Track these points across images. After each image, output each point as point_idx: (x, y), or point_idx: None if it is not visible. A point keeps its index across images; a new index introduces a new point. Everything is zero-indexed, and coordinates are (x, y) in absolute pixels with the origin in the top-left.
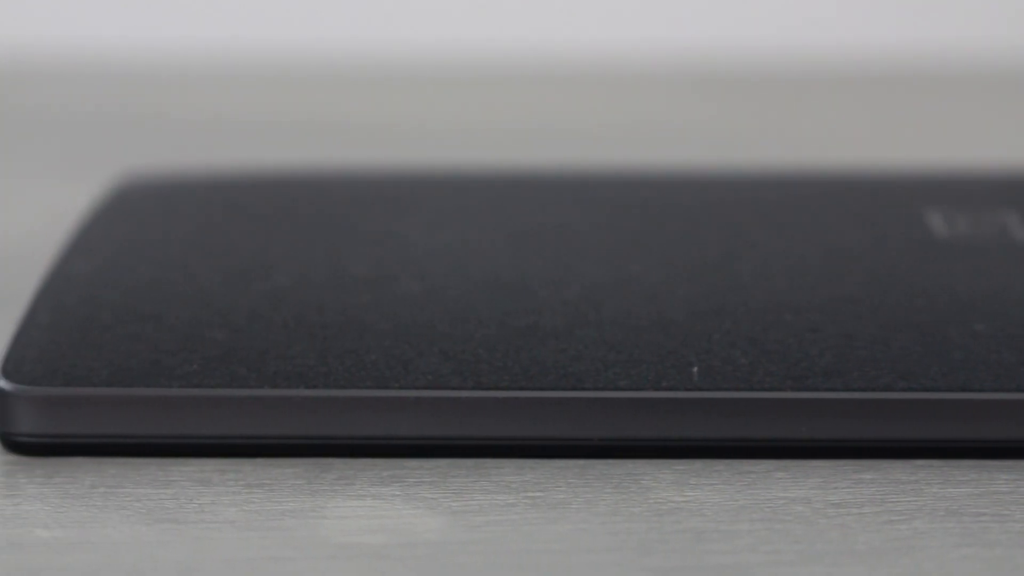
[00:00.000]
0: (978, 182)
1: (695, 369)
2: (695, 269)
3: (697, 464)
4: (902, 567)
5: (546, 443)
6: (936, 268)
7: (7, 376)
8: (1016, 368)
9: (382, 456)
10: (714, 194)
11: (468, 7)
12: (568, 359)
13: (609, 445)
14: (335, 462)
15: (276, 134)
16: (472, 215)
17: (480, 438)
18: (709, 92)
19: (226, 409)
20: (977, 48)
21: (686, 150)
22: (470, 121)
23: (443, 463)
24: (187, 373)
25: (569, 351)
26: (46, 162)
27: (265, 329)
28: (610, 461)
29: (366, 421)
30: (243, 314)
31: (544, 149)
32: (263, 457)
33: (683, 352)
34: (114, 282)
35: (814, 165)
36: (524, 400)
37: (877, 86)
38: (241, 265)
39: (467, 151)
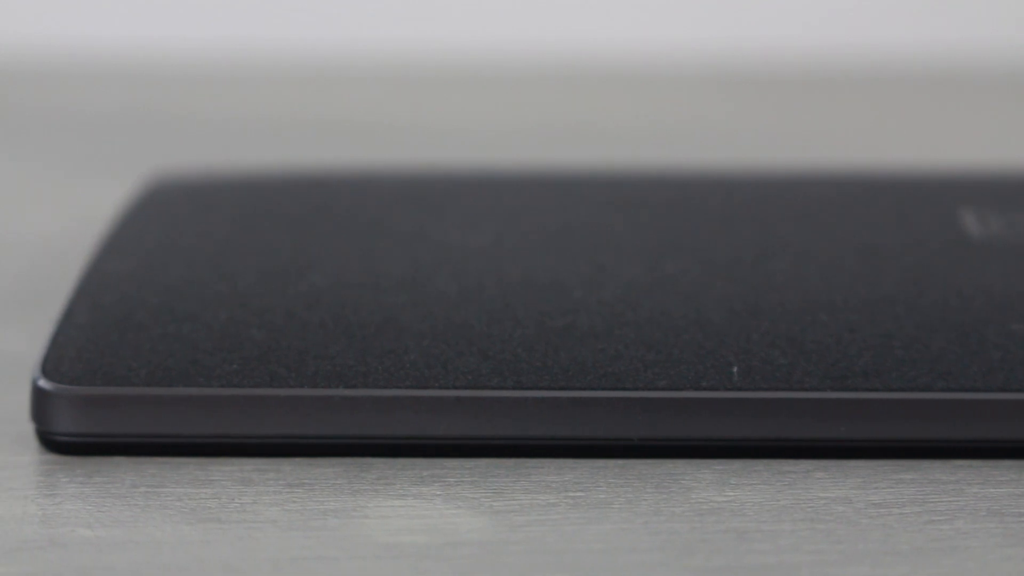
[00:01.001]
0: (1012, 182)
1: (735, 369)
2: (731, 269)
3: (736, 464)
4: (945, 567)
5: (586, 443)
6: (972, 268)
7: (47, 376)
8: None
9: (422, 456)
10: (747, 194)
11: (492, 7)
12: (607, 359)
13: (648, 445)
14: (375, 462)
15: (287, 133)
16: (505, 215)
17: (520, 438)
18: (735, 92)
19: (265, 409)
20: (1012, 48)
21: (714, 150)
22: (494, 121)
23: (483, 463)
24: (226, 373)
25: (608, 351)
26: (72, 162)
27: (303, 329)
28: (649, 461)
29: (406, 421)
30: (281, 314)
31: (570, 149)
32: (302, 457)
33: (722, 352)
34: (151, 281)
35: (846, 165)
36: (563, 400)
37: (909, 86)
38: (277, 265)
39: (490, 152)
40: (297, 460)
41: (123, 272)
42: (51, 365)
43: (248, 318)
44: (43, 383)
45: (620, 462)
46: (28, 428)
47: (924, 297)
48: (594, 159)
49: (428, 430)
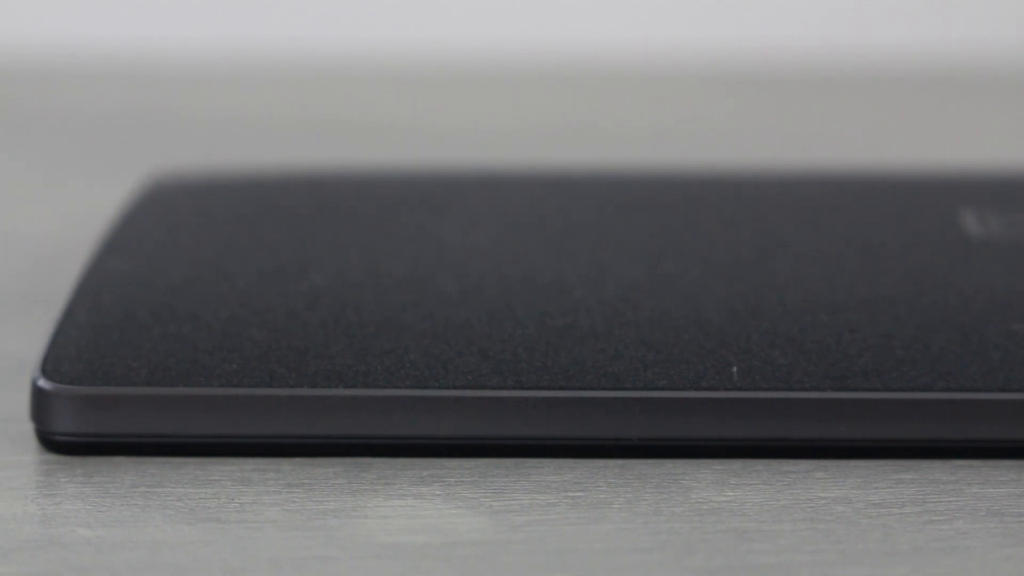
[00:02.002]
0: (1012, 182)
1: (735, 369)
2: (731, 269)
3: (736, 464)
4: (945, 567)
5: (585, 443)
6: (972, 268)
7: (47, 375)
8: None
9: (421, 456)
10: (747, 194)
11: (492, 7)
12: (607, 359)
13: (648, 445)
14: (374, 462)
15: (287, 133)
16: (506, 215)
17: (519, 437)
18: (735, 91)
19: (265, 408)
20: (1012, 48)
21: (714, 150)
22: (494, 121)
23: (482, 463)
24: (226, 372)
25: (608, 351)
26: (72, 161)
27: (303, 329)
28: (649, 461)
29: (405, 421)
30: (281, 314)
31: (570, 149)
32: (302, 457)
33: (722, 352)
34: (151, 281)
35: (846, 165)
36: (563, 400)
37: (909, 86)
38: (277, 264)
39: (490, 152)
40: (297, 460)
41: (123, 272)
42: (51, 365)
43: (248, 318)
44: (43, 383)
45: (620, 462)
46: (28, 428)
47: (924, 297)
48: (594, 159)
49: (428, 430)
